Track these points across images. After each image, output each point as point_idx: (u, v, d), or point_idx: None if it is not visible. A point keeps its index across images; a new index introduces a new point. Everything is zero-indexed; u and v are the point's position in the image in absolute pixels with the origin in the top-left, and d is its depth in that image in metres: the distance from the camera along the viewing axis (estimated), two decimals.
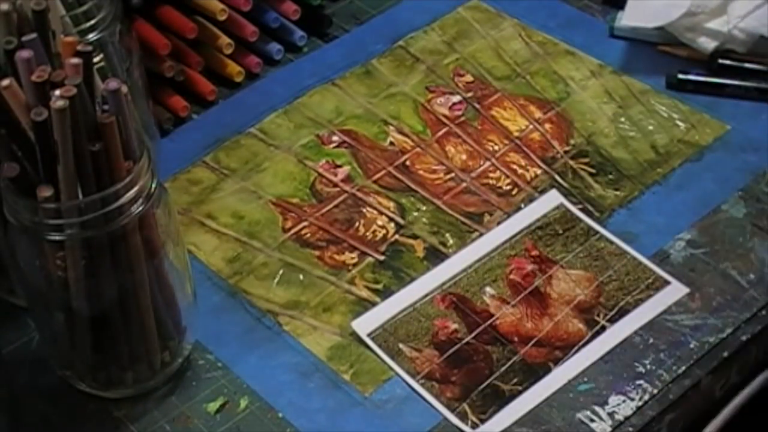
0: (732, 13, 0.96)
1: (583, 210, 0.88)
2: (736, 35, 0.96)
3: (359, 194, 0.90)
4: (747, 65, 0.96)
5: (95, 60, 0.71)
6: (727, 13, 0.96)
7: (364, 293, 0.84)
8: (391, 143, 0.94)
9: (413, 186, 0.91)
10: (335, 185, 0.91)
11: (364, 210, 0.89)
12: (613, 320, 0.81)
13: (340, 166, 0.92)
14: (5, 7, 0.71)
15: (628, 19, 0.98)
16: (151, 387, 0.78)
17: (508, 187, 0.90)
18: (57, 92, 0.65)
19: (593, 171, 0.91)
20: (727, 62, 0.96)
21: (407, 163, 0.93)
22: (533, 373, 0.78)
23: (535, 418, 0.76)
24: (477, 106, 0.97)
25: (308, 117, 0.97)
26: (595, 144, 0.93)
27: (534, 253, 0.85)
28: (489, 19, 1.05)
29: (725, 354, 0.78)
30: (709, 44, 0.96)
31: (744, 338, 0.79)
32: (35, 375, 0.80)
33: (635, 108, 0.95)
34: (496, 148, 0.93)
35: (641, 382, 0.77)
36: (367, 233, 0.88)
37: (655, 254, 0.84)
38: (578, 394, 0.77)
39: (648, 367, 0.78)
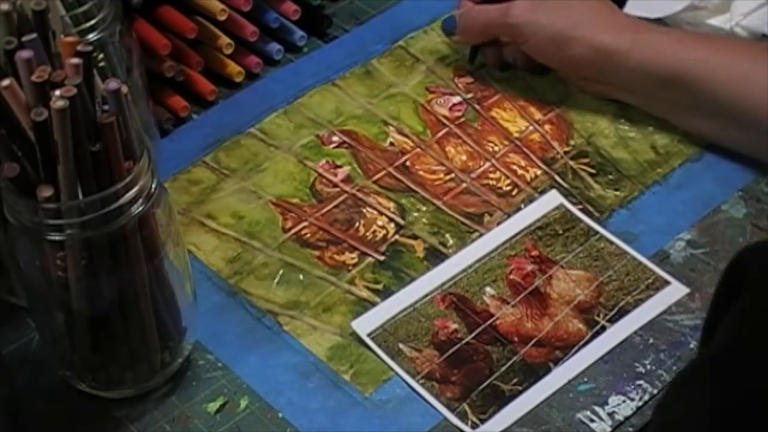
0: (735, 10, 0.96)
1: (583, 210, 0.88)
2: (738, 33, 0.95)
3: (359, 194, 0.90)
4: None
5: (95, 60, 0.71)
6: (731, 10, 0.96)
7: (364, 293, 0.84)
8: (391, 144, 0.94)
9: (413, 186, 0.91)
10: (335, 185, 0.91)
11: (364, 210, 0.89)
12: (613, 320, 0.81)
13: (340, 167, 0.92)
14: (5, 7, 0.71)
15: (630, 9, 0.99)
16: (151, 387, 0.78)
17: (508, 188, 0.90)
18: (57, 92, 0.65)
19: (593, 171, 0.91)
20: None
21: (407, 163, 0.93)
22: (533, 373, 0.78)
23: (535, 418, 0.76)
24: (477, 107, 0.97)
25: (308, 117, 0.97)
26: (595, 144, 0.93)
27: (534, 253, 0.85)
28: None
29: None
30: None
31: None
32: (35, 375, 0.79)
33: (635, 108, 0.95)
34: (496, 149, 0.93)
35: (641, 382, 0.77)
36: (367, 233, 0.88)
37: (655, 254, 0.84)
38: (578, 394, 0.77)
39: (648, 367, 0.78)
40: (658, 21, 0.98)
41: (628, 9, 0.99)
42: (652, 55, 0.89)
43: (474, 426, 0.75)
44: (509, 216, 0.88)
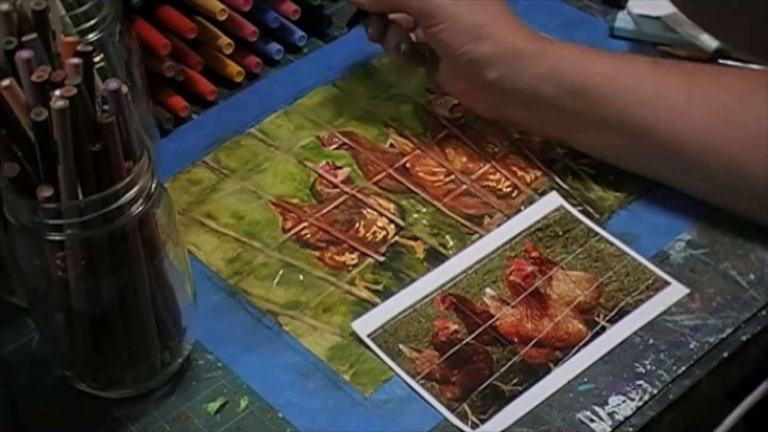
0: None
1: (583, 212, 0.88)
2: None
3: (359, 195, 0.90)
4: (749, 65, 0.96)
5: (95, 60, 0.71)
6: None
7: (364, 294, 0.84)
8: (392, 145, 0.94)
9: (413, 188, 0.91)
10: (335, 186, 0.91)
11: (365, 211, 0.89)
12: (613, 321, 0.81)
13: (340, 168, 0.92)
14: (5, 7, 0.71)
15: (631, 8, 0.98)
16: (151, 387, 0.78)
17: (508, 189, 0.90)
18: (57, 92, 0.66)
19: (593, 172, 0.91)
20: (729, 62, 0.96)
21: (407, 165, 0.93)
22: (533, 373, 0.78)
23: (535, 419, 0.76)
24: None
25: (308, 118, 0.97)
26: None
27: (534, 254, 0.85)
28: None
29: (725, 354, 0.78)
30: (711, 42, 0.96)
31: (744, 338, 0.79)
32: (35, 375, 0.79)
33: None
34: (496, 150, 0.93)
35: (641, 382, 0.77)
36: (368, 234, 0.88)
37: (655, 255, 0.84)
38: (578, 395, 0.77)
39: (648, 367, 0.78)
40: (659, 29, 0.98)
41: (630, 8, 0.99)
42: (562, 63, 0.87)
43: (474, 426, 0.75)
44: (509, 218, 0.88)
